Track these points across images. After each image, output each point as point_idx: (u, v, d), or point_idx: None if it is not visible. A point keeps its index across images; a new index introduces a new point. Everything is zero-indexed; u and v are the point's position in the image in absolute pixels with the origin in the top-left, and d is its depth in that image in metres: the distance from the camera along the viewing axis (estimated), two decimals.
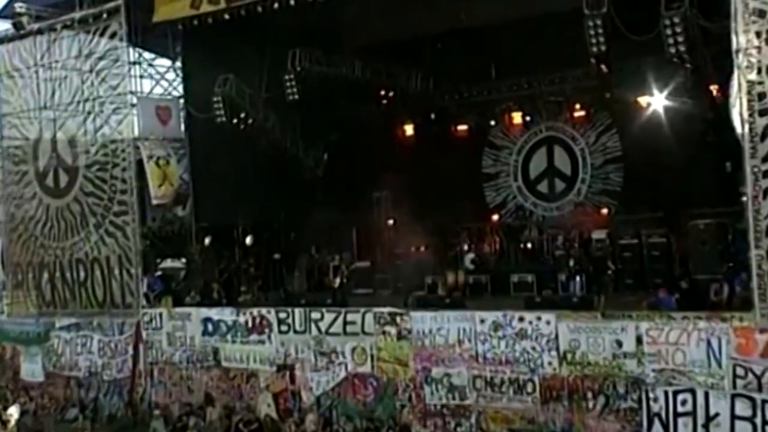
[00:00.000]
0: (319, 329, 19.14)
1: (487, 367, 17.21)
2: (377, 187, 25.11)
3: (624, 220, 22.06)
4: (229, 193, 23.23)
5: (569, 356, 16.33)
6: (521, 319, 16.92)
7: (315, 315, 19.26)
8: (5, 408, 20.63)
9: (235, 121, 22.68)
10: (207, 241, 23.16)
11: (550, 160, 24.85)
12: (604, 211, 23.38)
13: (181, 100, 23.76)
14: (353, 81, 23.29)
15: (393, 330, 18.27)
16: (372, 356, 18.51)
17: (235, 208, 23.55)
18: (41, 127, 23.98)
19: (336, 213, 24.27)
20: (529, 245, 23.15)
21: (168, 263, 24.48)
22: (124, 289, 22.28)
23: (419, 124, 25.77)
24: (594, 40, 17.73)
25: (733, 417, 14.65)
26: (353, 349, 18.73)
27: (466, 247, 23.28)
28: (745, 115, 14.61)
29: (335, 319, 18.95)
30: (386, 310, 18.63)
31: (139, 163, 22.59)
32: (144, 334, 21.80)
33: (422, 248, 23.32)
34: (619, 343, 15.78)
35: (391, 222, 25.13)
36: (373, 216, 25.44)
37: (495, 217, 25.04)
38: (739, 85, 14.79)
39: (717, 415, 14.80)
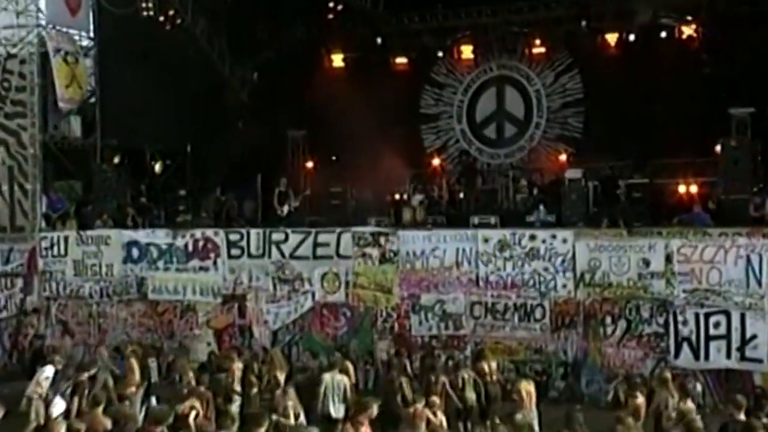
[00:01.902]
0: (281, 253, 18.07)
1: (489, 291, 16.87)
2: (308, 121, 24.17)
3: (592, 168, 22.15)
4: (141, 109, 21.65)
5: (587, 277, 16.26)
6: (533, 238, 16.70)
7: (277, 236, 18.19)
8: None
9: (162, 18, 21.07)
10: (117, 159, 21.34)
11: (500, 101, 24.90)
12: (563, 157, 23.55)
13: None
14: None
15: (375, 252, 17.55)
16: (347, 283, 17.71)
17: (145, 128, 22.00)
18: None
19: (256, 147, 23.11)
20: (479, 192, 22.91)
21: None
22: (15, 209, 20.14)
23: (358, 51, 24.98)
24: None
25: None
26: (323, 276, 17.84)
27: (410, 192, 22.68)
28: None
29: (303, 241, 17.96)
30: (368, 229, 17.95)
31: (42, 58, 20.48)
32: (41, 262, 19.69)
33: (360, 190, 22.58)
34: (646, 262, 15.89)
35: (320, 161, 24.25)
36: (300, 153, 24.45)
37: (436, 161, 24.68)
38: None
39: (754, 337, 15.18)
